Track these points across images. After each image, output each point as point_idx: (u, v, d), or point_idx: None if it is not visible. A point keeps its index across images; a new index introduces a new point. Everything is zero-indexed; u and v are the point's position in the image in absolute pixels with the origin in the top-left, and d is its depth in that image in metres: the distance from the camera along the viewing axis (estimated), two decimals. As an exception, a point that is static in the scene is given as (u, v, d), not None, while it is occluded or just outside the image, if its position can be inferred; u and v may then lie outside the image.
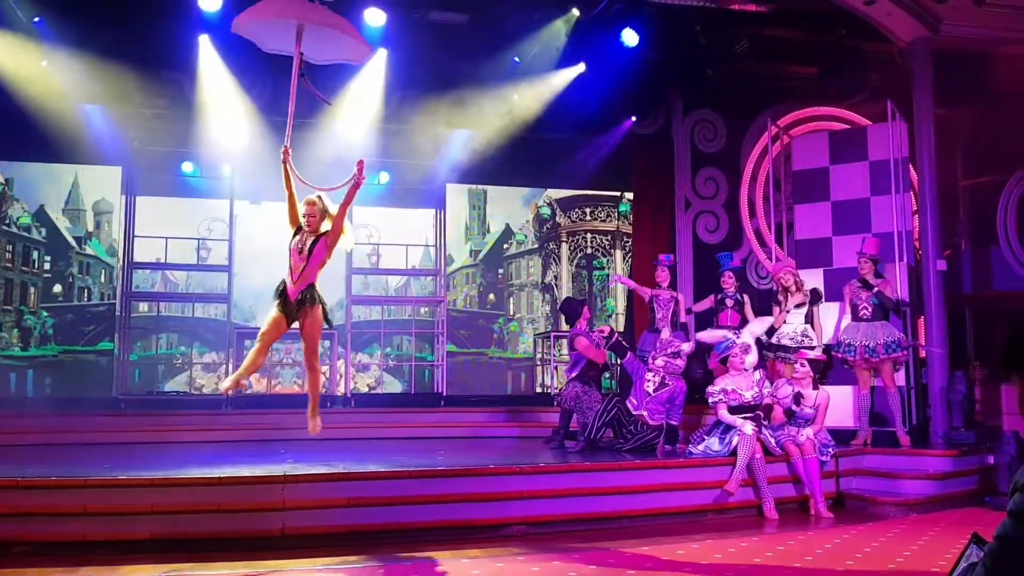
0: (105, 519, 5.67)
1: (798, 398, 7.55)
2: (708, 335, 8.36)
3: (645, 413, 8.13)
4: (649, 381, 8.27)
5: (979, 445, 8.32)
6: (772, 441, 7.38)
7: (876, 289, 8.38)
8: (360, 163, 5.55)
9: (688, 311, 9.55)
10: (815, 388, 7.65)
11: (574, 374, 8.76)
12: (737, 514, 7.10)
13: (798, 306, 8.73)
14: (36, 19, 9.63)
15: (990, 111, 10.59)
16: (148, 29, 9.79)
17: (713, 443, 7.40)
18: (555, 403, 9.07)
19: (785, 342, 8.53)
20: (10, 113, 10.46)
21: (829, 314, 9.18)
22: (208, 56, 10.28)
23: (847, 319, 8.64)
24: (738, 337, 7.82)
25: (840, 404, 9.01)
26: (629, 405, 8.30)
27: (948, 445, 8.40)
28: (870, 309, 8.38)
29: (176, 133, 11.32)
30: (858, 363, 8.38)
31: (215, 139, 11.14)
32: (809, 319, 8.66)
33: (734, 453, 7.15)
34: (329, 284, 12.73)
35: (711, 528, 6.67)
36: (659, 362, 8.29)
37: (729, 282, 9.17)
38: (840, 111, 11.23)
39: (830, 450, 7.53)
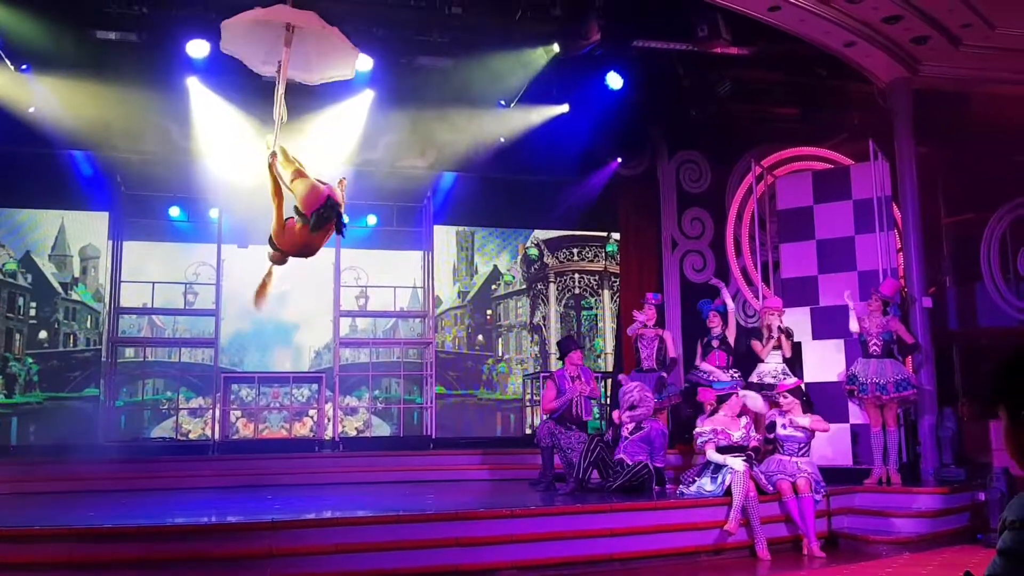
0: (90, 569, 5.58)
1: (772, 426, 7.58)
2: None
3: (624, 456, 8.09)
4: (625, 426, 8.28)
5: (970, 482, 8.31)
6: (763, 479, 7.36)
7: (891, 330, 8.40)
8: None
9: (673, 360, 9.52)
10: (805, 413, 7.70)
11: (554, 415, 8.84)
12: (730, 555, 7.05)
13: (776, 349, 8.87)
14: (24, 67, 9.68)
15: (970, 149, 10.75)
16: (136, 76, 9.85)
17: (705, 483, 7.37)
18: (535, 443, 9.05)
19: (768, 380, 8.67)
20: (-3, 159, 10.49)
21: (827, 350, 9.24)
22: (200, 95, 10.32)
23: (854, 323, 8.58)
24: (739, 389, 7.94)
25: (830, 441, 9.01)
26: (614, 454, 8.30)
27: (939, 482, 8.40)
28: (880, 345, 8.38)
29: (163, 178, 11.35)
30: (869, 401, 8.36)
31: (202, 183, 11.16)
32: (785, 358, 8.84)
33: (727, 493, 7.12)
34: (316, 327, 12.73)
35: (704, 569, 6.63)
36: (624, 416, 8.33)
37: (716, 322, 9.23)
38: (823, 151, 11.37)
39: (822, 489, 7.49)
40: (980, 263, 10.80)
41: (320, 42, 5.66)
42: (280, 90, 5.59)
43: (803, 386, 8.84)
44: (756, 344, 9.06)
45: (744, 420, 7.65)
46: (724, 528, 6.94)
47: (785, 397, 7.76)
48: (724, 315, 9.32)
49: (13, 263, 11.63)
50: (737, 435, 7.49)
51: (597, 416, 9.82)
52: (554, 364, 12.20)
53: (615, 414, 8.48)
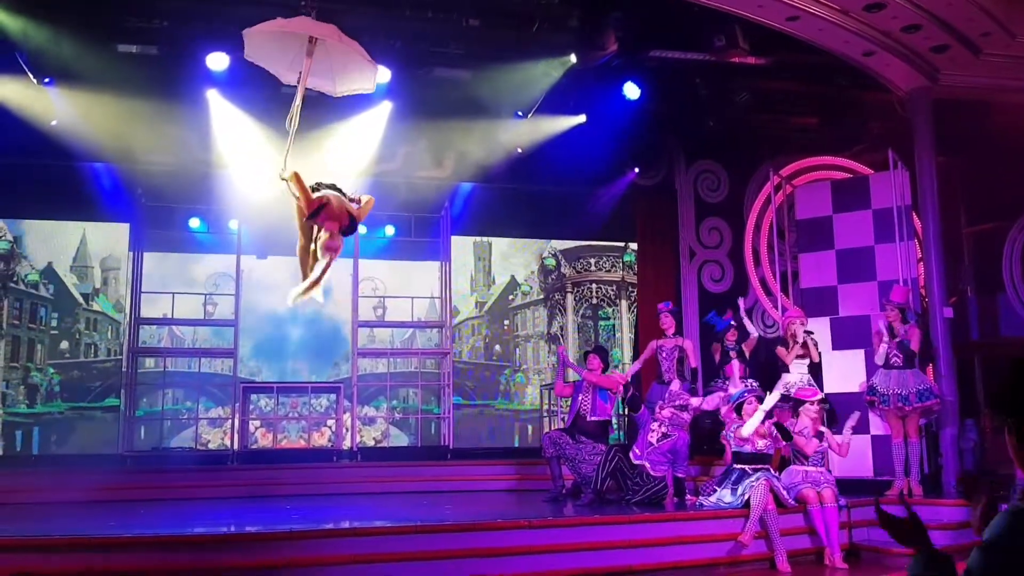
0: (109, 579, 5.62)
1: (788, 435, 7.52)
2: (708, 401, 8.48)
3: (647, 464, 8.06)
4: (653, 432, 8.22)
5: (993, 494, 8.19)
6: (784, 492, 7.29)
7: (898, 339, 8.33)
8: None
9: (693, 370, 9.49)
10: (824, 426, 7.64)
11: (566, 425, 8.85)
12: (750, 567, 6.99)
13: (799, 357, 8.76)
14: (47, 80, 9.80)
15: (990, 159, 10.66)
16: (156, 89, 9.95)
17: (725, 495, 7.31)
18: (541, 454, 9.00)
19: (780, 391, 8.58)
20: (19, 172, 10.60)
21: (847, 360, 9.16)
22: (219, 107, 10.41)
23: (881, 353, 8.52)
24: (752, 391, 7.84)
25: (852, 453, 8.94)
26: (632, 455, 8.23)
27: (961, 494, 8.30)
28: (901, 357, 8.31)
29: (183, 190, 11.43)
30: (891, 412, 8.29)
31: (222, 194, 11.24)
32: (812, 369, 8.74)
33: (746, 505, 7.07)
34: (334, 337, 12.78)
35: (723, 582, 6.58)
36: (665, 413, 8.24)
37: (732, 338, 9.24)
38: (842, 160, 11.32)
39: (842, 499, 7.41)
40: (1002, 273, 10.71)
41: (341, 56, 5.72)
42: (297, 101, 5.65)
43: (823, 396, 8.78)
44: (781, 350, 8.98)
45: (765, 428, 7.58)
46: (738, 540, 6.88)
47: (813, 404, 7.68)
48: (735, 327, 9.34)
49: (35, 274, 11.74)
50: (761, 443, 7.44)
51: (615, 425, 9.77)
52: (572, 374, 12.19)
53: (658, 406, 8.37)
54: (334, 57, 5.76)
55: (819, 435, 7.48)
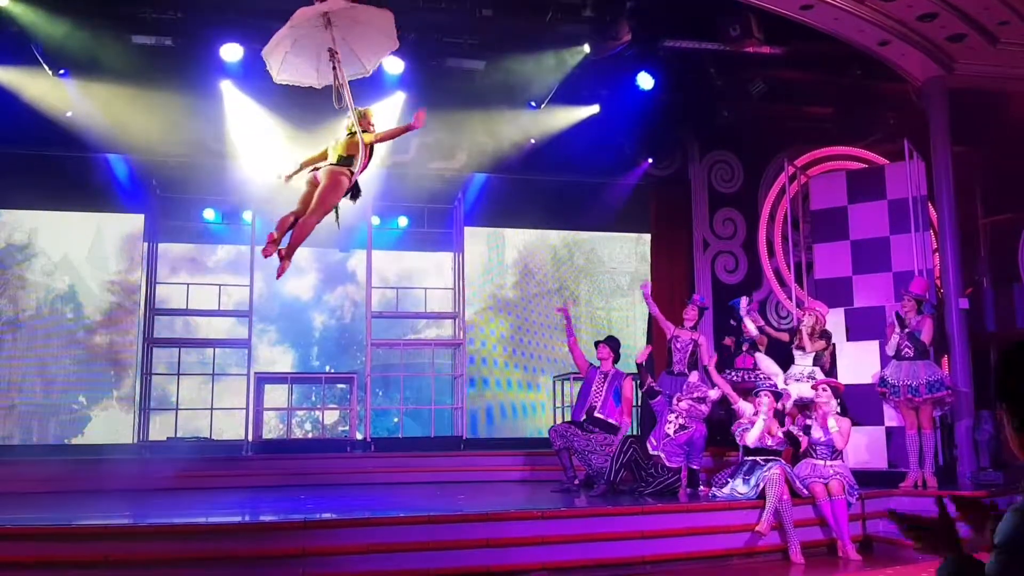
0: (126, 567, 5.66)
1: (808, 428, 7.49)
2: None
3: (663, 455, 8.04)
4: (670, 423, 8.20)
5: (1008, 486, 8.17)
6: (798, 482, 7.29)
7: (907, 330, 8.28)
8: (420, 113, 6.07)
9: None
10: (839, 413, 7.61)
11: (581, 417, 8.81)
12: (763, 558, 6.99)
13: (798, 348, 8.66)
14: (62, 71, 9.84)
15: (1007, 149, 10.58)
16: (170, 80, 9.99)
17: (738, 485, 7.31)
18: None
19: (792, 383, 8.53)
20: (35, 163, 10.66)
21: (862, 351, 9.12)
22: (233, 98, 10.45)
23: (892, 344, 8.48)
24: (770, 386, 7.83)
25: (866, 444, 8.92)
26: (648, 445, 8.22)
27: (976, 486, 8.26)
28: (912, 348, 8.27)
29: (197, 181, 11.47)
30: (902, 403, 8.24)
31: (236, 185, 11.27)
32: (819, 361, 8.67)
33: (760, 495, 7.07)
34: (350, 328, 12.80)
35: (736, 573, 6.59)
36: (683, 404, 8.21)
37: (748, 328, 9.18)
38: (857, 150, 11.26)
39: (855, 492, 7.40)
40: (1018, 263, 10.64)
41: (355, 31, 5.72)
42: (340, 73, 5.72)
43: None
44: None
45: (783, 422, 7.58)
46: (755, 530, 6.88)
47: (825, 390, 7.65)
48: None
49: (51, 265, 11.82)
50: (770, 441, 7.43)
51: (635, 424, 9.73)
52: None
53: (676, 398, 8.31)
54: (349, 39, 5.76)
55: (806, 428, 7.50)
